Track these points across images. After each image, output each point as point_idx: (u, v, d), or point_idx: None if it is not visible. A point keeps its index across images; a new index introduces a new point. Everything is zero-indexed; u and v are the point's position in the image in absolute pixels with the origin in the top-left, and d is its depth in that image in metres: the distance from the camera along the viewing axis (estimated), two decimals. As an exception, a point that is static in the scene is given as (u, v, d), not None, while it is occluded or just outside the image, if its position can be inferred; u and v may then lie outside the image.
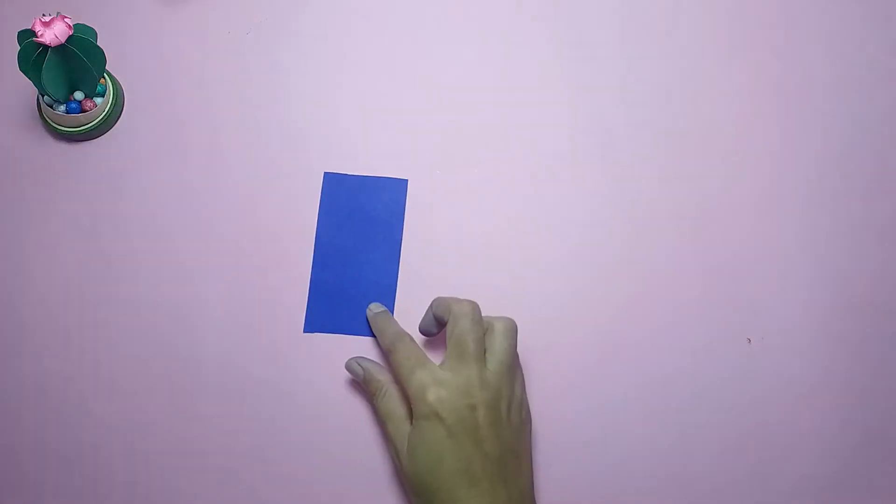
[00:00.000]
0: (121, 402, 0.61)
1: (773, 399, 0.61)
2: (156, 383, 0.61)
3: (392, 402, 0.57)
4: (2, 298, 0.63)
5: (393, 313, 0.62)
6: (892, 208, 0.64)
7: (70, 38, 0.59)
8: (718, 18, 0.68)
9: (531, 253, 0.63)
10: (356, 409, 0.61)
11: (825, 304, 0.62)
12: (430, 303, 0.60)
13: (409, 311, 0.62)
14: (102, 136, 0.66)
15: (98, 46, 0.61)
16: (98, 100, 0.64)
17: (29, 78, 0.60)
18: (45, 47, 0.59)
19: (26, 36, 0.59)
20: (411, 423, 0.55)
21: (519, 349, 0.57)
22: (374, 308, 0.62)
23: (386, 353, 0.59)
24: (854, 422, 0.60)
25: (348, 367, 0.60)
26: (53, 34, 0.58)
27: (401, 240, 0.63)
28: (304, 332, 0.62)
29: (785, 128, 0.66)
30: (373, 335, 0.61)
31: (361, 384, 0.60)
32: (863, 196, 0.65)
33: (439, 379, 0.54)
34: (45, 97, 0.63)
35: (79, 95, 0.64)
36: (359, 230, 0.64)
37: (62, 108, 0.63)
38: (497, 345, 0.55)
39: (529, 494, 0.55)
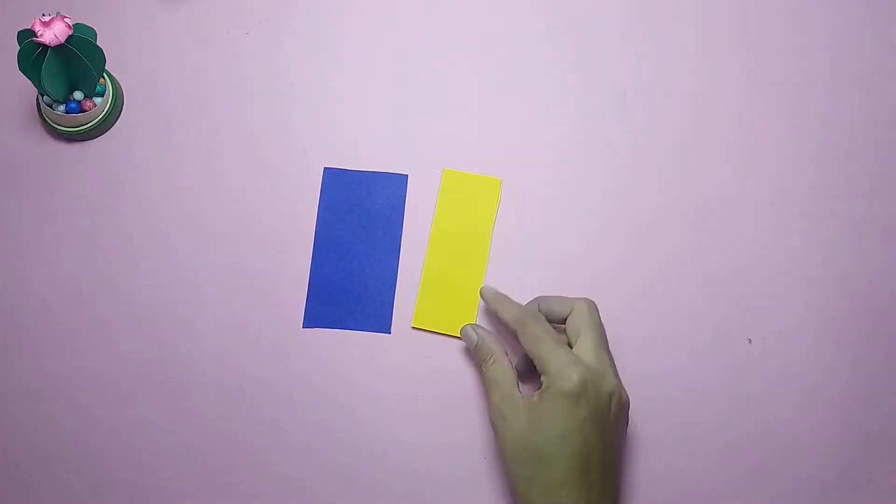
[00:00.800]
0: (120, 401, 0.61)
1: (773, 399, 0.61)
2: (155, 380, 0.61)
3: (502, 369, 0.57)
4: (1, 298, 0.63)
5: (392, 309, 0.62)
6: (893, 208, 0.64)
7: (70, 37, 0.59)
8: (719, 18, 0.68)
9: (528, 249, 0.63)
10: (355, 403, 0.61)
11: (825, 304, 0.62)
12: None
13: (408, 306, 0.62)
14: (102, 136, 0.66)
15: (98, 46, 0.61)
16: (97, 100, 0.64)
17: (28, 78, 0.60)
18: (45, 47, 0.59)
19: (26, 36, 0.59)
20: (520, 392, 0.56)
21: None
22: (490, 288, 0.61)
23: (518, 325, 0.58)
24: (854, 422, 0.60)
25: (463, 333, 0.60)
26: (53, 34, 0.58)
27: (401, 235, 0.64)
28: (304, 327, 0.62)
29: (785, 128, 0.66)
30: (372, 330, 0.62)
31: (472, 350, 0.60)
32: (863, 196, 0.64)
33: (583, 361, 0.55)
34: (45, 97, 0.63)
35: (78, 95, 0.64)
36: (358, 225, 0.64)
37: (62, 107, 0.63)
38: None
39: (618, 495, 0.56)
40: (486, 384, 0.58)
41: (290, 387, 0.61)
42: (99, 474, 0.60)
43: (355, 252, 0.63)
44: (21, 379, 0.61)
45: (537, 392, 0.55)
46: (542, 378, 0.55)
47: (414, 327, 0.62)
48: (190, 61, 0.67)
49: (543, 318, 0.58)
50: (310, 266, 0.63)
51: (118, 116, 0.66)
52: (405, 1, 0.69)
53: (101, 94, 0.64)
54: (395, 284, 0.63)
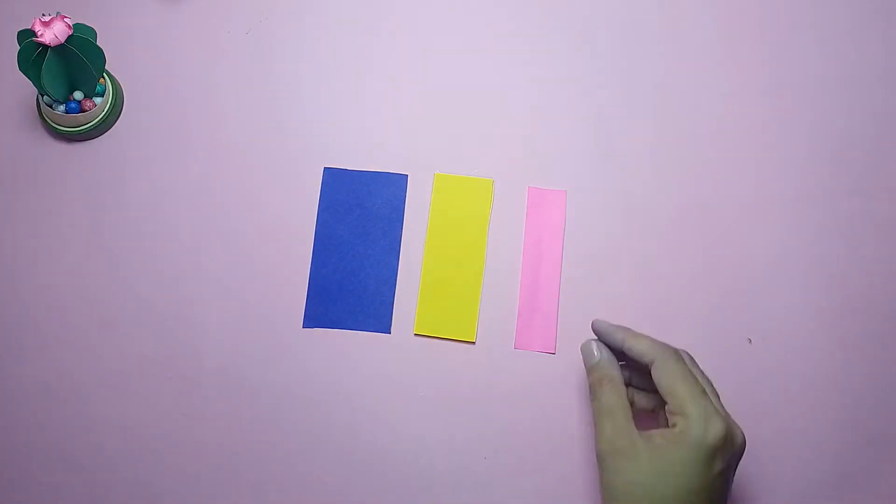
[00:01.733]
0: (121, 400, 0.61)
1: (772, 399, 0.61)
2: (156, 380, 0.61)
3: (618, 398, 0.53)
4: (1, 298, 0.63)
5: (392, 309, 0.62)
6: (892, 208, 0.64)
7: (70, 37, 0.59)
8: (718, 18, 0.68)
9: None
10: (355, 403, 0.61)
11: (825, 304, 0.62)
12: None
13: (408, 306, 0.62)
14: (102, 136, 0.66)
15: (98, 46, 0.61)
16: (97, 99, 0.64)
17: (29, 78, 0.60)
18: (45, 47, 0.59)
19: (26, 36, 0.59)
20: (633, 426, 0.51)
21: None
22: (603, 321, 0.57)
23: (657, 357, 0.53)
24: (854, 422, 0.60)
25: (584, 349, 0.56)
26: (53, 34, 0.58)
27: (401, 235, 0.64)
28: (304, 327, 0.62)
29: (786, 127, 0.66)
30: (372, 330, 0.62)
31: (587, 369, 0.56)
32: (863, 196, 0.64)
33: (722, 413, 0.51)
34: (45, 97, 0.63)
35: (78, 95, 0.64)
36: (358, 225, 0.64)
37: (62, 108, 0.63)
38: None
39: None
40: (598, 411, 0.53)
41: (290, 387, 0.61)
42: (99, 474, 0.60)
43: (355, 252, 0.63)
44: (21, 379, 0.61)
45: (660, 432, 0.51)
46: (674, 419, 0.51)
47: (417, 334, 0.62)
48: (190, 61, 0.67)
49: (683, 355, 0.54)
50: (310, 266, 0.63)
51: (118, 116, 0.66)
52: (405, 1, 0.69)
53: (101, 94, 0.64)
54: (395, 284, 0.63)
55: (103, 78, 0.64)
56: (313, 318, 0.62)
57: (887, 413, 0.61)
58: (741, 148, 0.65)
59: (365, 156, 0.65)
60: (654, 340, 0.54)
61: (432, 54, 0.67)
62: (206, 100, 0.66)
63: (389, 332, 0.62)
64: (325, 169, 0.65)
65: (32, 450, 0.60)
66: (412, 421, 0.60)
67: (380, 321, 0.62)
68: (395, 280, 0.63)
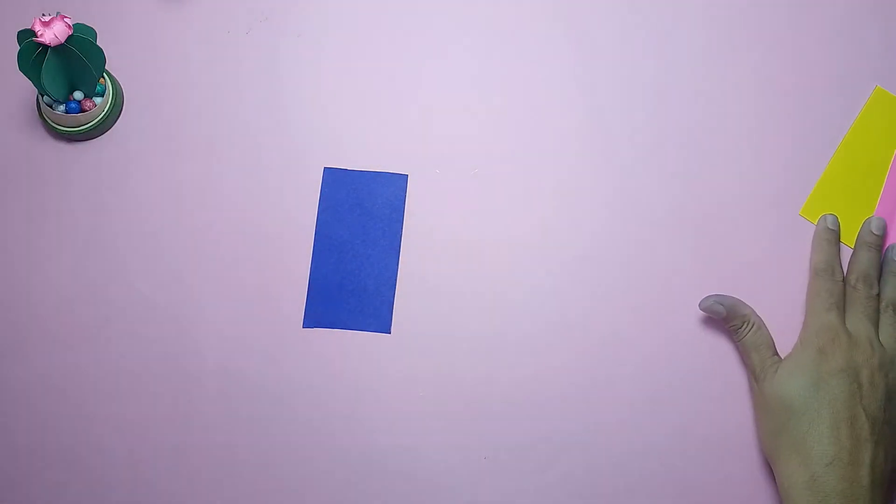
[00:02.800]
0: (121, 399, 0.61)
1: (773, 399, 0.61)
2: (155, 381, 0.61)
3: (761, 333, 0.59)
4: (1, 298, 0.63)
5: (392, 309, 0.62)
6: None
7: (70, 37, 0.59)
8: (718, 18, 0.68)
9: (529, 249, 0.63)
10: (355, 403, 0.61)
11: (825, 304, 0.62)
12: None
13: (408, 306, 0.62)
14: (102, 136, 0.66)
15: (98, 46, 0.61)
16: (97, 100, 0.64)
17: (29, 78, 0.60)
18: (45, 47, 0.59)
19: (26, 36, 0.59)
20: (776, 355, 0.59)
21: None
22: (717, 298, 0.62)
23: (811, 275, 0.61)
24: (854, 422, 0.60)
25: (707, 307, 0.61)
26: (53, 34, 0.58)
27: (401, 235, 0.64)
28: (304, 327, 0.62)
29: (786, 127, 0.66)
30: (372, 330, 0.62)
31: (722, 319, 0.61)
32: (863, 196, 0.64)
33: (846, 329, 0.58)
34: (45, 97, 0.63)
35: (78, 95, 0.64)
36: (358, 225, 0.64)
37: (62, 107, 0.63)
38: None
39: (879, 470, 0.55)
40: (744, 349, 0.60)
41: (290, 387, 0.61)
42: (99, 474, 0.60)
43: (355, 252, 0.63)
44: (21, 379, 0.61)
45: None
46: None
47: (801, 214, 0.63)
48: (190, 61, 0.67)
49: (836, 275, 0.60)
50: (310, 266, 0.63)
51: (118, 116, 0.66)
52: (405, 1, 0.69)
53: (101, 94, 0.64)
54: (395, 284, 0.63)
55: (103, 78, 0.64)
56: (313, 318, 0.62)
57: (887, 413, 0.60)
58: (744, 150, 0.65)
59: (365, 156, 0.65)
60: (820, 260, 0.60)
61: (432, 54, 0.67)
62: (206, 100, 0.66)
63: (389, 332, 0.62)
64: (325, 169, 0.65)
65: (32, 449, 0.60)
66: (411, 420, 0.60)
67: (380, 321, 0.62)
68: (396, 280, 0.63)
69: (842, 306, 0.59)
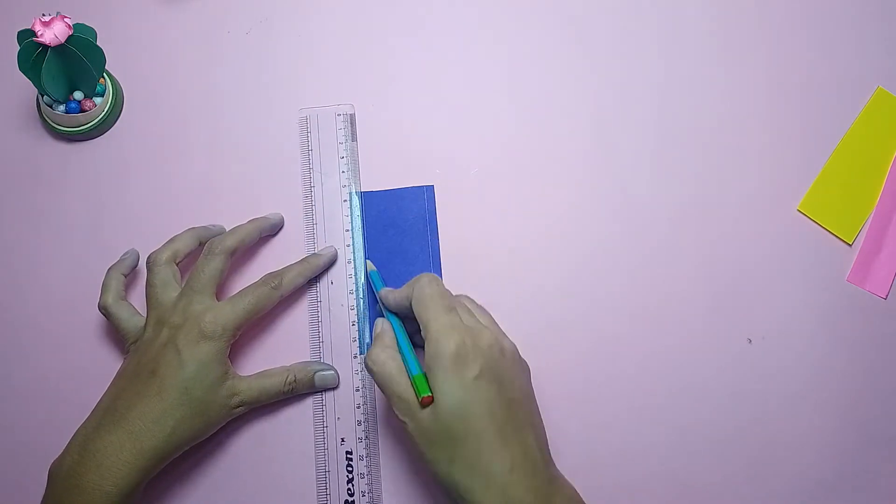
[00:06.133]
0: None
1: (772, 399, 0.61)
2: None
3: (391, 360, 0.53)
4: (1, 298, 0.63)
5: None
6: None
7: (70, 37, 0.59)
8: (718, 18, 0.68)
9: (537, 252, 0.63)
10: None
11: (825, 304, 0.62)
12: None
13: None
14: (102, 136, 0.66)
15: (98, 46, 0.61)
16: (97, 99, 0.64)
17: (29, 78, 0.61)
18: (45, 47, 0.59)
19: (26, 36, 0.59)
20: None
21: (524, 348, 0.56)
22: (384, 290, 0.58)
23: (417, 293, 0.53)
24: (854, 422, 0.60)
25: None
26: (53, 34, 0.58)
27: (438, 245, 0.62)
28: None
29: (785, 127, 0.66)
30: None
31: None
32: (863, 196, 0.65)
33: (462, 323, 0.52)
34: (45, 97, 0.63)
35: (78, 95, 0.64)
36: (395, 243, 0.63)
37: (62, 107, 0.63)
38: None
39: (542, 442, 0.52)
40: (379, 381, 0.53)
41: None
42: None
43: (397, 272, 0.62)
44: (21, 379, 0.61)
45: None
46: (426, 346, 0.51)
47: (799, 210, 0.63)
48: (190, 61, 0.67)
49: (439, 281, 0.54)
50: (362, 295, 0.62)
51: (118, 116, 0.66)
52: (407, 3, 0.69)
53: (101, 94, 0.64)
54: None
55: (103, 78, 0.64)
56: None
57: (888, 413, 0.60)
58: (744, 149, 0.65)
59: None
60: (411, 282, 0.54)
61: (432, 55, 0.67)
62: (206, 100, 0.66)
63: None
64: (362, 193, 0.63)
65: (32, 450, 0.60)
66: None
67: None
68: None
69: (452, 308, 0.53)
